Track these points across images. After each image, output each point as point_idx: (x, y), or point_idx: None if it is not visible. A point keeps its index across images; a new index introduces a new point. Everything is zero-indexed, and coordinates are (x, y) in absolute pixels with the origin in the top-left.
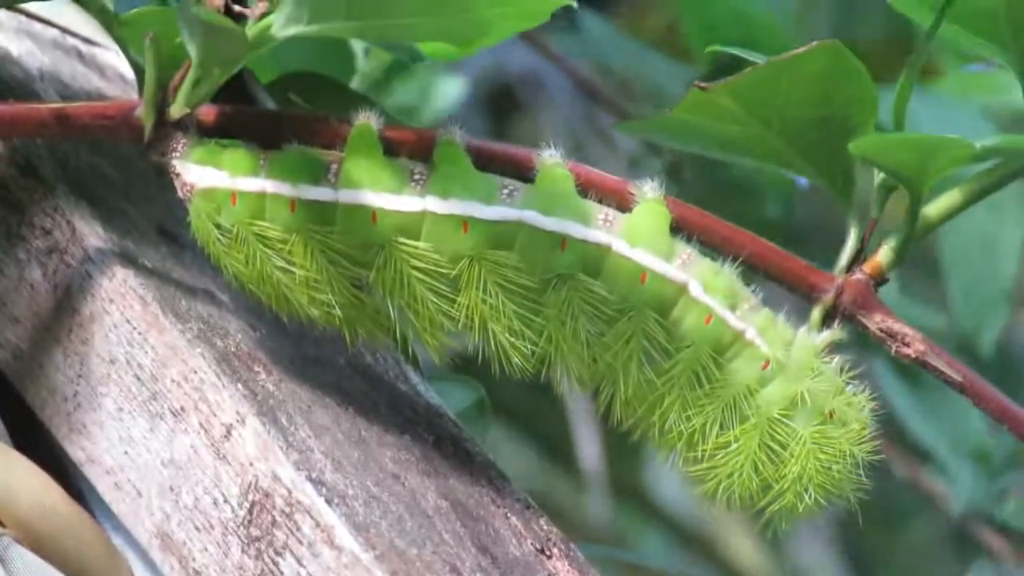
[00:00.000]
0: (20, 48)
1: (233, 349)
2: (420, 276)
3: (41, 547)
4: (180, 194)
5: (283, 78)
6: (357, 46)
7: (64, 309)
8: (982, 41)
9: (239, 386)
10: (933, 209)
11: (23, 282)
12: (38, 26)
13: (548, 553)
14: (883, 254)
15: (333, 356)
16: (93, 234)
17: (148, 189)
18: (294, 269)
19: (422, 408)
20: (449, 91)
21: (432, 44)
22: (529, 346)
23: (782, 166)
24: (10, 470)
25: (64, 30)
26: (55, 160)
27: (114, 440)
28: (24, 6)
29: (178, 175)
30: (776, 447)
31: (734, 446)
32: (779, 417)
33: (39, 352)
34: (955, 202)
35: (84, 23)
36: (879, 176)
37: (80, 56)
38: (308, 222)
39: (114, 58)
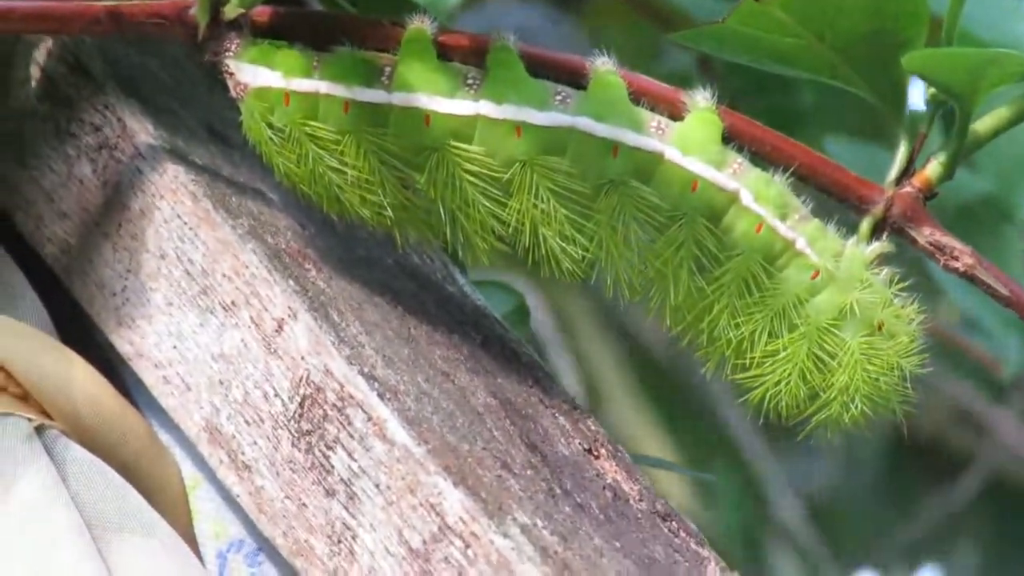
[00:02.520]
0: None
1: (284, 246)
2: (472, 179)
3: (89, 440)
4: (233, 94)
5: None
6: None
7: (114, 204)
8: None
9: (290, 282)
10: (982, 125)
11: (72, 178)
12: None
13: (596, 453)
14: (932, 168)
15: (381, 256)
16: (144, 131)
17: (197, 90)
18: (346, 169)
19: (469, 309)
20: None
21: None
22: (580, 251)
23: (833, 79)
24: (57, 363)
25: None
26: (105, 59)
27: (163, 334)
28: None
29: (231, 75)
30: (824, 357)
31: (782, 354)
32: (828, 327)
33: (88, 247)
34: (1005, 118)
35: None
36: (929, 91)
37: None
38: (361, 123)
39: None
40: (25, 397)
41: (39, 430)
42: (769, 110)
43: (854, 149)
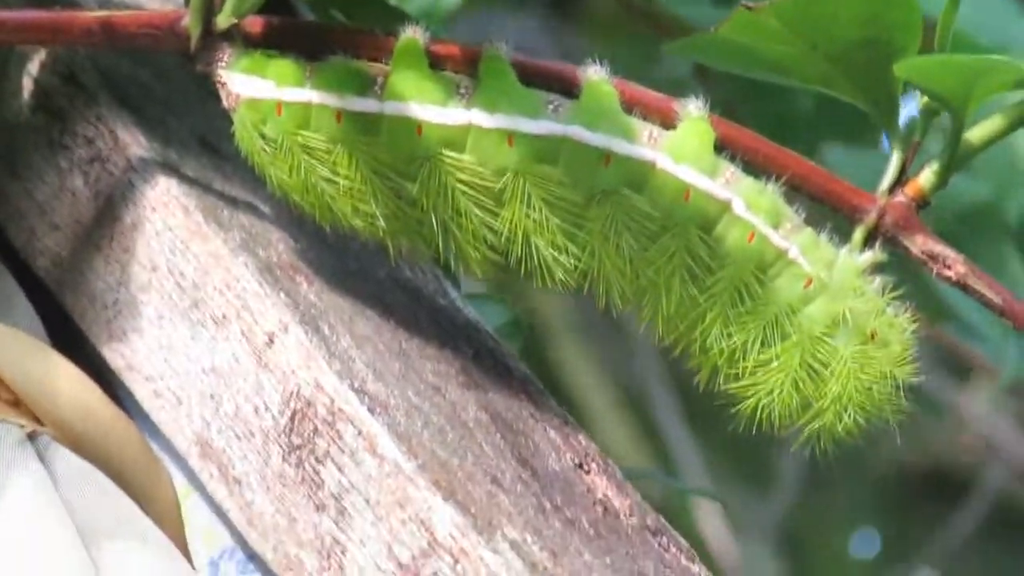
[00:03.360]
0: None
1: (275, 259)
2: (464, 189)
3: (80, 447)
4: (225, 104)
5: None
6: None
7: (106, 217)
8: None
9: (281, 295)
10: (975, 134)
11: (64, 190)
12: None
13: (587, 468)
14: (925, 177)
15: (373, 269)
16: (136, 143)
17: (189, 101)
18: (338, 179)
19: (461, 322)
20: None
21: None
22: (572, 261)
23: (827, 88)
24: (50, 369)
25: None
26: (97, 70)
27: (154, 347)
28: None
29: (224, 85)
30: (817, 366)
31: (775, 364)
32: (821, 336)
33: (79, 259)
34: (998, 128)
35: None
36: (922, 99)
37: None
38: (353, 133)
39: None
40: (17, 403)
41: (31, 436)
42: (767, 115)
43: (852, 155)
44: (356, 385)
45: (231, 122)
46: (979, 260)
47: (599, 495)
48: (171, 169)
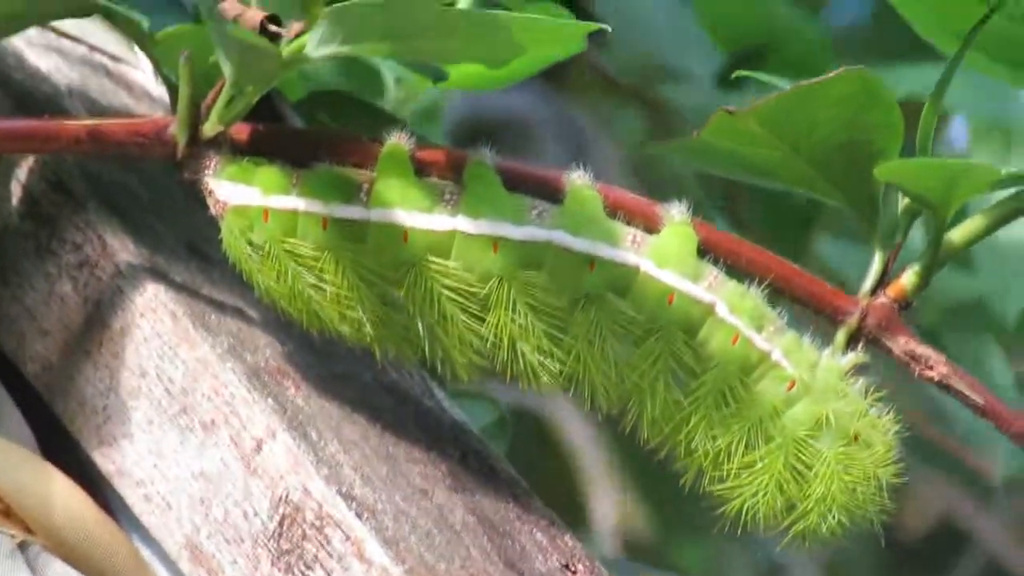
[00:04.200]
0: (49, 64)
1: (263, 364)
2: (450, 295)
3: (70, 556)
4: (212, 211)
5: (312, 96)
6: (388, 74)
7: (95, 322)
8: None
9: (269, 400)
10: (957, 234)
11: (53, 296)
12: (67, 43)
13: (573, 569)
14: (907, 278)
15: (360, 372)
16: (124, 249)
17: (176, 207)
18: (325, 286)
19: (448, 424)
20: None
21: (461, 74)
22: (557, 365)
23: (808, 190)
24: (39, 479)
25: (92, 47)
26: (85, 177)
27: (144, 453)
28: (54, 24)
29: (211, 192)
30: (801, 467)
31: (759, 465)
32: (804, 438)
33: (69, 365)
34: (979, 228)
35: (112, 41)
36: (904, 201)
37: (108, 73)
38: (340, 240)
39: (141, 76)
40: (8, 513)
41: (22, 546)
42: (767, 207)
43: (844, 250)
44: (344, 490)
45: (218, 228)
46: (959, 353)
47: None
48: (159, 275)
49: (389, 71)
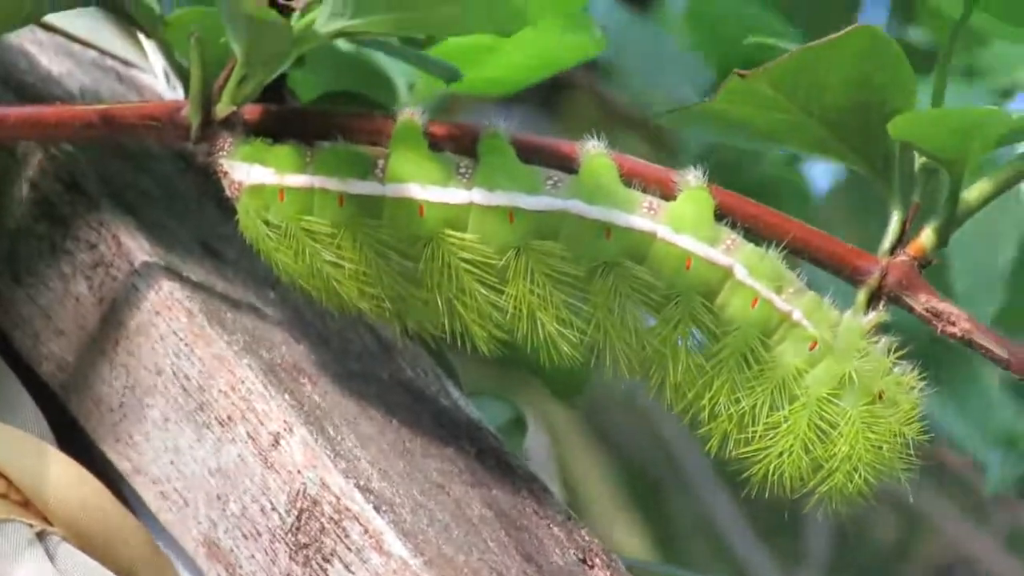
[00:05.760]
0: (61, 68)
1: (279, 360)
2: (468, 267)
3: (89, 546)
4: (227, 192)
5: (323, 97)
6: (400, 79)
7: (110, 321)
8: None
9: (286, 396)
10: (973, 193)
11: (68, 295)
12: (77, 47)
13: (590, 563)
14: (926, 236)
15: (376, 370)
16: (139, 248)
17: (190, 207)
18: (343, 263)
19: (463, 421)
20: None
21: (473, 78)
22: (577, 334)
23: (823, 153)
24: (57, 470)
25: (103, 52)
26: (99, 176)
27: (160, 450)
28: (64, 28)
29: (225, 173)
30: (826, 427)
31: (784, 426)
32: (828, 397)
33: (84, 364)
34: (994, 185)
35: (123, 47)
36: (920, 160)
37: (119, 77)
38: (356, 216)
39: (152, 80)
40: (26, 503)
41: (40, 536)
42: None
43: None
44: (361, 483)
45: (233, 227)
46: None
47: None
48: (174, 273)
49: (401, 76)
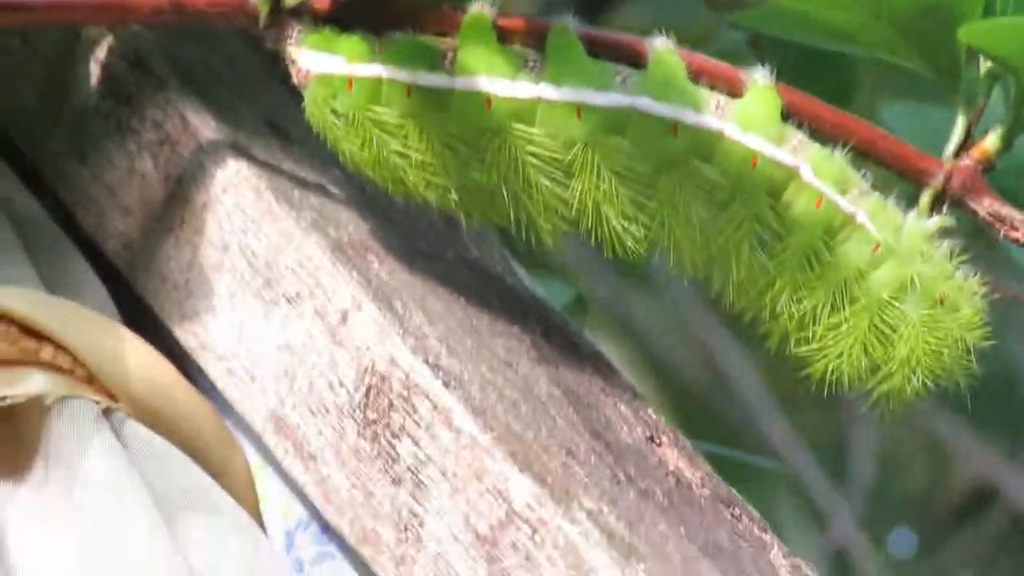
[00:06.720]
0: None
1: (346, 238)
2: (534, 161)
3: (154, 422)
4: (295, 80)
5: None
6: None
7: (176, 199)
8: None
9: (354, 273)
10: None
11: (133, 173)
12: None
13: (658, 441)
14: (990, 141)
15: (442, 249)
16: (205, 126)
17: (257, 86)
18: (410, 153)
19: (530, 300)
20: None
21: None
22: (641, 230)
23: (890, 55)
24: (123, 346)
25: None
26: (165, 55)
27: (226, 326)
28: None
29: (293, 61)
30: (886, 330)
31: (844, 327)
32: (889, 300)
33: (150, 241)
34: None
35: None
36: (986, 64)
37: None
38: (424, 107)
39: None
40: (91, 380)
41: (106, 412)
42: (820, 83)
43: (910, 114)
44: (430, 360)
45: (300, 107)
46: None
47: (671, 467)
48: (240, 151)
49: None
